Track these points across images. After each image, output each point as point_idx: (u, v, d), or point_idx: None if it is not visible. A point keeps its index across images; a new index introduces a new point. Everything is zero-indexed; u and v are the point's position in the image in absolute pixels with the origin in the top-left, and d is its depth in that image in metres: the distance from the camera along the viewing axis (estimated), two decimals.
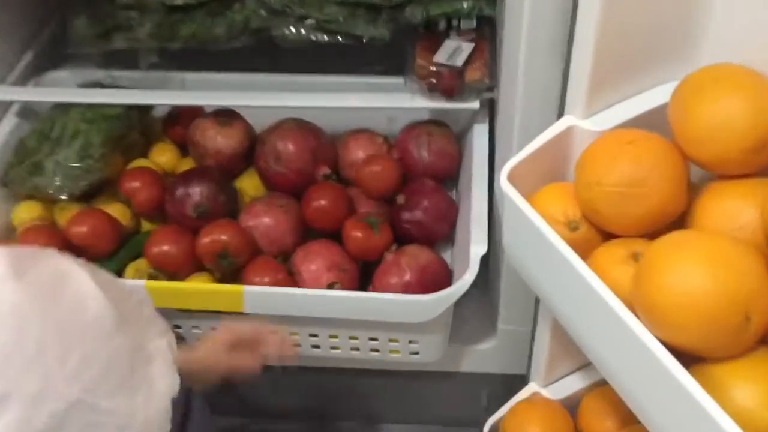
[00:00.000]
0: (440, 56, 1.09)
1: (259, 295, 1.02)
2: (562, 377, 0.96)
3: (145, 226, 1.20)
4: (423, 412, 1.36)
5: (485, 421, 0.99)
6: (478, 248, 0.99)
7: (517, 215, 0.69)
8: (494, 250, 1.06)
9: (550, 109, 0.82)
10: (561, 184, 0.74)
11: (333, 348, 1.11)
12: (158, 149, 1.27)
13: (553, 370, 0.94)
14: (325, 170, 1.17)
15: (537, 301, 0.91)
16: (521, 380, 1.01)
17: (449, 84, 1.09)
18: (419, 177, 1.18)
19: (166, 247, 1.08)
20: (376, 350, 1.11)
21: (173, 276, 1.11)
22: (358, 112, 1.20)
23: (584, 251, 0.67)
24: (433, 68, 1.09)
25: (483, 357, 1.20)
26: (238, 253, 1.07)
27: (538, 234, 0.67)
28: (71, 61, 1.30)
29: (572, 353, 0.87)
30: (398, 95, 1.13)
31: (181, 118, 1.27)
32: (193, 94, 1.21)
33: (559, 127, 0.72)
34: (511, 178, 0.71)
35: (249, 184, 1.23)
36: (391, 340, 1.09)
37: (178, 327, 1.10)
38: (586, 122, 0.71)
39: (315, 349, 1.11)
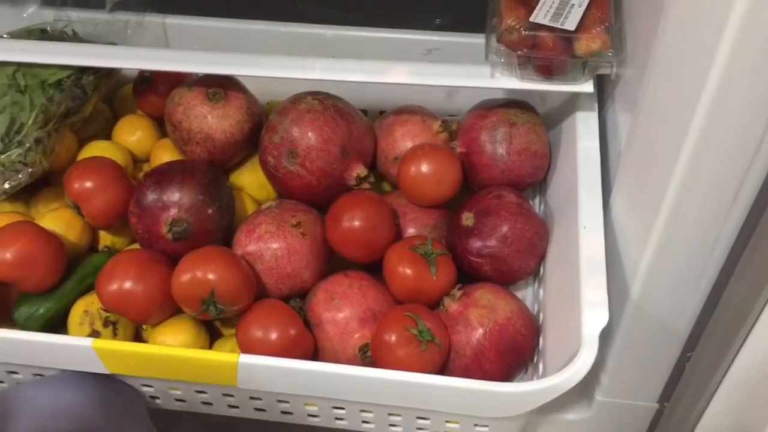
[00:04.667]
0: (540, 14, 0.73)
1: (260, 369, 0.68)
2: None
3: (105, 239, 0.86)
4: None
5: None
6: (595, 317, 0.65)
7: None
8: None
9: None
10: None
11: (365, 422, 0.79)
12: (126, 126, 0.93)
13: None
14: (360, 170, 0.82)
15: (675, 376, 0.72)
16: None
17: (552, 56, 0.73)
18: (492, 183, 0.83)
19: (127, 285, 0.74)
20: (424, 429, 0.78)
21: (138, 322, 0.78)
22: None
23: None
24: (527, 32, 0.72)
25: (570, 428, 0.88)
26: (231, 298, 0.73)
27: None
28: None
29: None
30: (471, 69, 0.77)
31: (158, 82, 0.92)
32: (175, 55, 0.83)
33: None
34: None
35: (251, 180, 0.90)
36: (448, 422, 0.76)
37: (148, 386, 0.77)
38: None
39: (340, 422, 0.79)
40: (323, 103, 0.81)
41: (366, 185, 0.83)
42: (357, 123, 0.83)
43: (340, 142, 0.80)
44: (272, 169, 0.82)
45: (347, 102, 0.84)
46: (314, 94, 0.83)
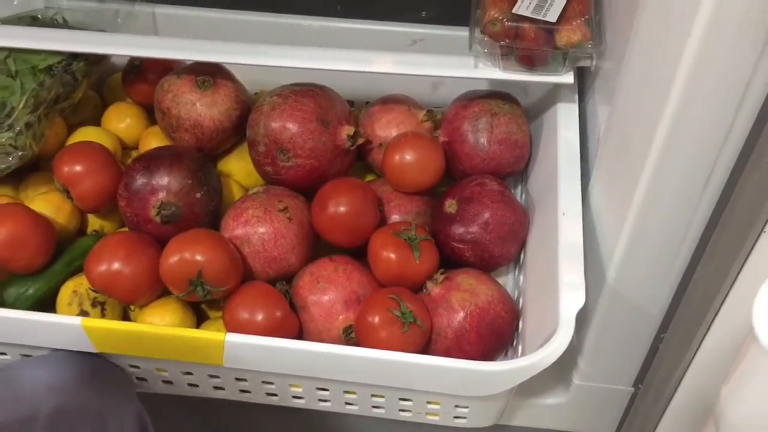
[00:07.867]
0: (523, 6, 0.75)
1: (247, 348, 0.70)
2: None
3: (94, 223, 0.87)
4: None
5: None
6: (572, 299, 0.68)
7: None
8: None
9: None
10: None
11: (348, 404, 0.80)
12: (115, 112, 0.94)
13: None
14: (348, 130, 0.83)
15: (650, 359, 0.74)
16: None
17: (533, 47, 0.75)
18: (474, 172, 0.85)
19: (116, 265, 0.75)
20: (407, 410, 0.80)
21: (126, 303, 0.79)
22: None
23: None
24: (510, 23, 0.75)
25: (548, 412, 0.90)
26: (218, 279, 0.75)
27: None
28: None
29: None
30: (455, 60, 0.80)
31: (148, 70, 0.93)
32: (165, 43, 0.85)
33: None
34: None
35: (238, 167, 0.91)
36: (429, 403, 0.78)
37: (136, 366, 0.78)
38: None
39: (323, 403, 0.81)
40: (281, 95, 0.82)
41: (361, 140, 0.84)
42: (320, 95, 0.83)
43: (315, 117, 0.81)
44: (276, 176, 0.83)
45: (304, 83, 0.85)
46: (270, 93, 0.84)
